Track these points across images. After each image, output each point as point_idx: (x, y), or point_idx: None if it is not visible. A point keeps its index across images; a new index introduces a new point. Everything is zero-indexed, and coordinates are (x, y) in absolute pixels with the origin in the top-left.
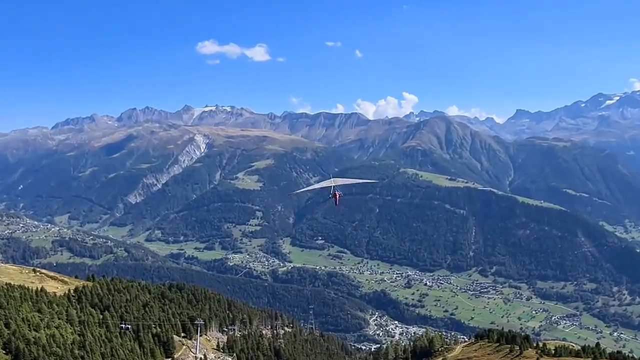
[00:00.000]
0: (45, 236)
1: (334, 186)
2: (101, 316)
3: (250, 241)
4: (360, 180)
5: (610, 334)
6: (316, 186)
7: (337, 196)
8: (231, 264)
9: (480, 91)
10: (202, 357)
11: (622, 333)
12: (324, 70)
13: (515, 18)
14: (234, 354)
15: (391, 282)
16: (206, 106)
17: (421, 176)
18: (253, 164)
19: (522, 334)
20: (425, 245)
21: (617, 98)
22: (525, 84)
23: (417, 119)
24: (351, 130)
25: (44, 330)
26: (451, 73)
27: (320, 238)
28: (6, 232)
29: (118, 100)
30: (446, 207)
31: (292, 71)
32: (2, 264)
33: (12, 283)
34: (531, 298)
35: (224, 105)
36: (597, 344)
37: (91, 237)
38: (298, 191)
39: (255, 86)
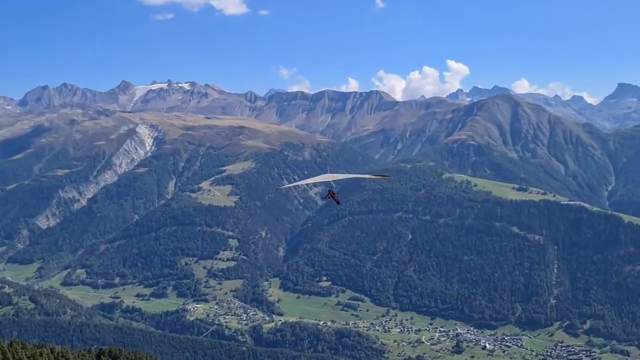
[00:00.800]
0: None
1: (331, 181)
2: None
3: (220, 284)
4: (367, 175)
5: None
6: (309, 180)
7: (335, 195)
8: (192, 319)
9: (562, 58)
10: None
11: None
12: (327, 28)
13: None
14: None
15: (432, 344)
16: (154, 82)
17: (475, 185)
18: (224, 168)
19: None
20: (483, 289)
21: None
22: (630, 46)
23: (469, 99)
24: (370, 117)
25: None
26: (518, 31)
27: (325, 278)
28: None
29: (21, 75)
30: (513, 231)
31: (282, 30)
32: None
33: None
34: None
35: (180, 81)
36: None
37: None
38: (283, 187)
39: (227, 53)
